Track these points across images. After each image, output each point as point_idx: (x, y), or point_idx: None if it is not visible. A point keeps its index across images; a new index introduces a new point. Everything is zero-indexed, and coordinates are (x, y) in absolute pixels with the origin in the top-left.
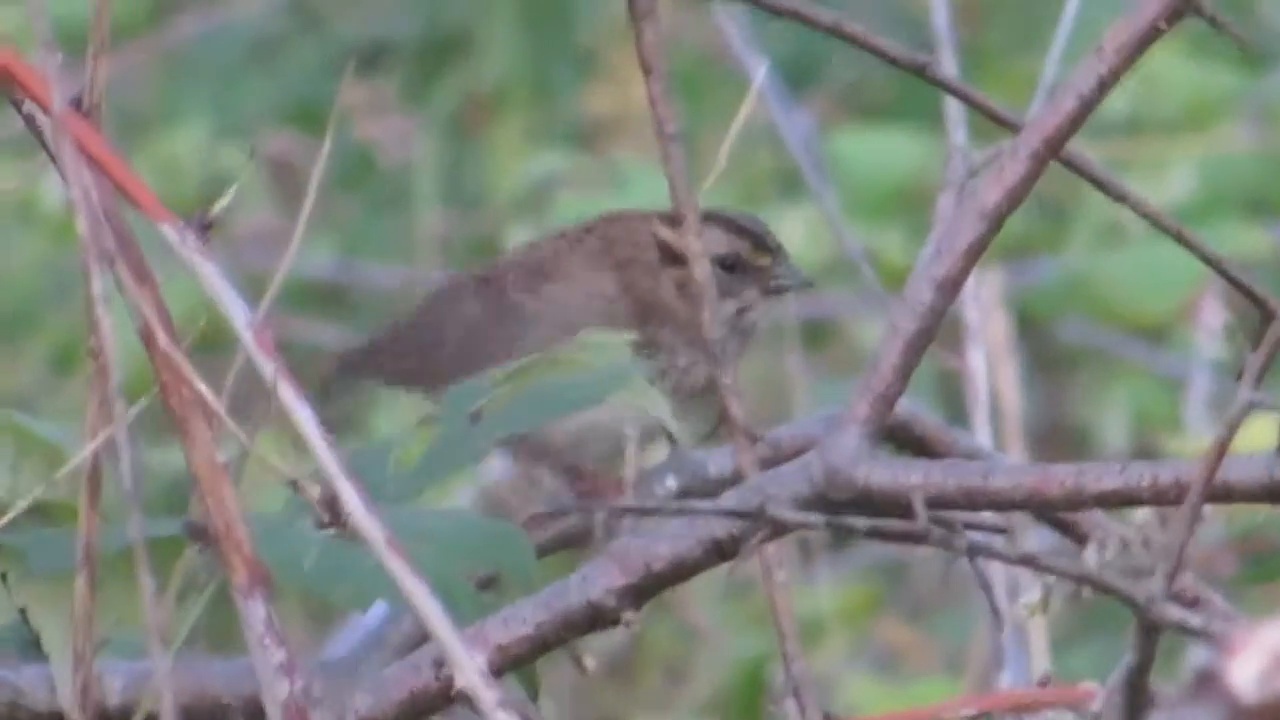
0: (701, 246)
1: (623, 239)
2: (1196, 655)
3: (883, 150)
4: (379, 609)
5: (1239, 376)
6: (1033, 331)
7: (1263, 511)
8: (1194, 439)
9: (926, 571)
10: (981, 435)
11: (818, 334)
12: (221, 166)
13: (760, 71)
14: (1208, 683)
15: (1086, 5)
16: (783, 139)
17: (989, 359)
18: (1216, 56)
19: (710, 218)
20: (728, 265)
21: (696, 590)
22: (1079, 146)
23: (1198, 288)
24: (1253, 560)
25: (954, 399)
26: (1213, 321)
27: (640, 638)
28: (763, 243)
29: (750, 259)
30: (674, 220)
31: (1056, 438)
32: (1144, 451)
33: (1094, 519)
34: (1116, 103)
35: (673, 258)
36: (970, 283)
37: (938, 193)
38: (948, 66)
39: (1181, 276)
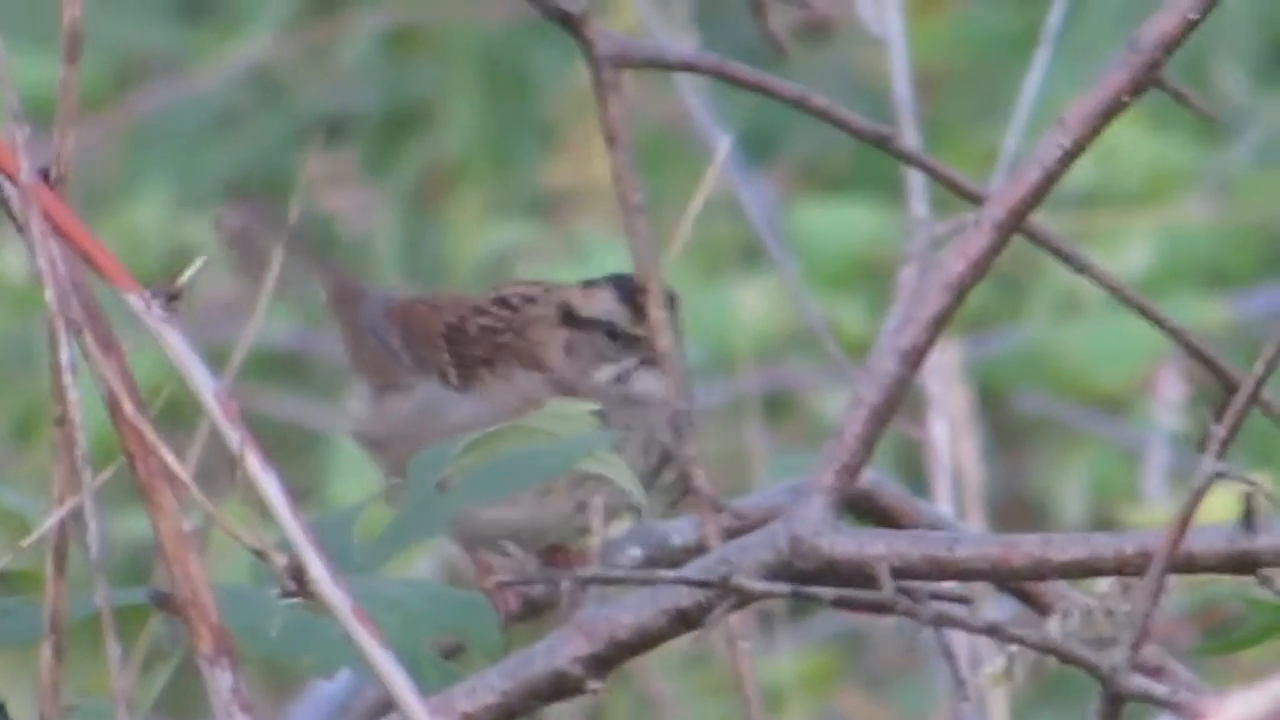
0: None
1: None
2: None
3: (842, 221)
4: (341, 679)
5: (1201, 448)
6: (991, 403)
7: (1225, 582)
8: (1153, 510)
9: (886, 641)
10: (943, 506)
11: (777, 406)
12: (184, 237)
13: (724, 144)
14: None
15: (1045, 80)
16: (743, 210)
17: (950, 430)
18: (1175, 130)
19: (606, 282)
20: (609, 332)
21: (656, 660)
22: (1038, 219)
23: (1155, 360)
24: (1213, 632)
25: (914, 469)
26: (1171, 394)
27: (600, 708)
28: (641, 313)
29: (627, 328)
30: (589, 282)
31: (1015, 509)
32: (1102, 522)
33: (1057, 589)
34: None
35: (568, 318)
36: (931, 355)
37: (898, 264)
38: (910, 139)
39: (1139, 348)
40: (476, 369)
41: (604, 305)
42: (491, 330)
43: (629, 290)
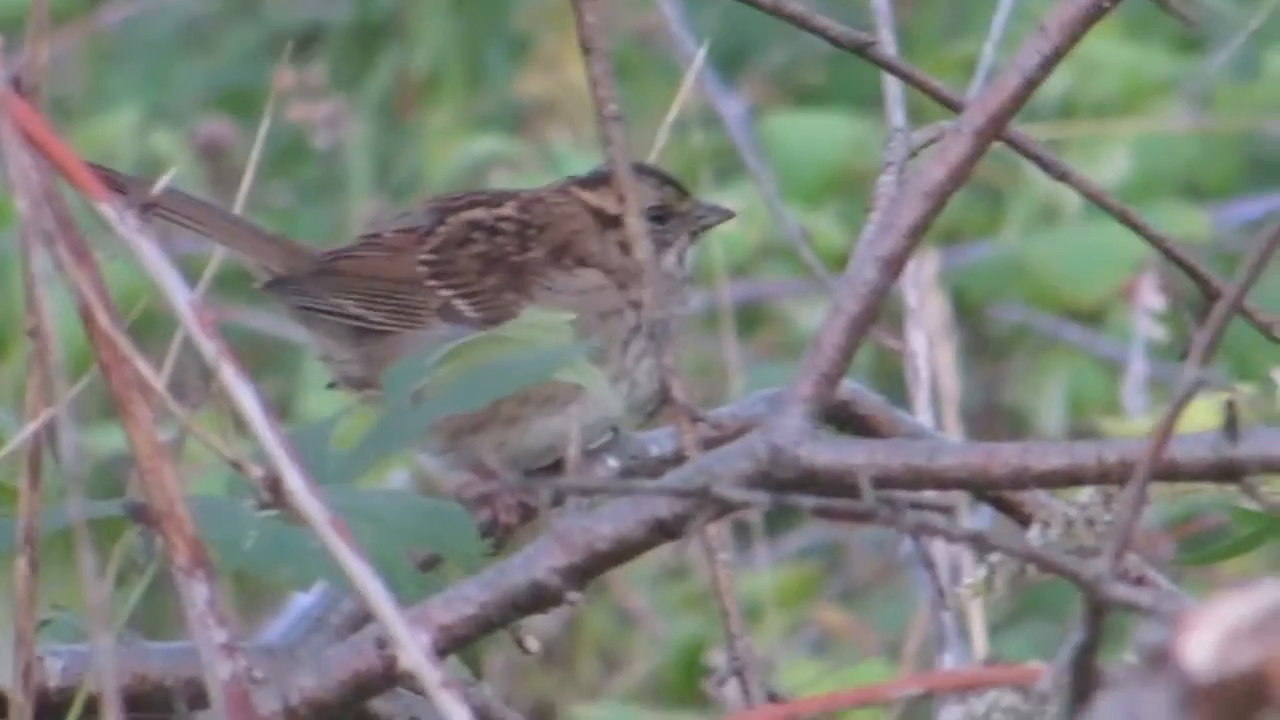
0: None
1: (555, 219)
2: (1146, 633)
3: (817, 132)
4: (317, 591)
5: (1183, 356)
6: (969, 314)
7: (1206, 491)
8: (1132, 421)
9: (863, 555)
10: (922, 417)
11: (752, 317)
12: (154, 150)
13: (698, 54)
14: (1160, 661)
15: None
16: (718, 121)
17: (927, 341)
18: (1153, 39)
19: (635, 170)
20: (658, 216)
21: (632, 574)
22: (1016, 128)
23: (1133, 270)
24: (1191, 542)
25: (892, 380)
26: (1150, 304)
27: (577, 621)
28: (682, 187)
29: (675, 205)
30: (591, 183)
31: (993, 421)
32: (1081, 435)
33: (1036, 499)
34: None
35: (606, 220)
36: (909, 265)
37: (874, 175)
38: (887, 46)
39: (1117, 259)
40: (495, 295)
41: (650, 194)
42: (494, 255)
43: (661, 173)
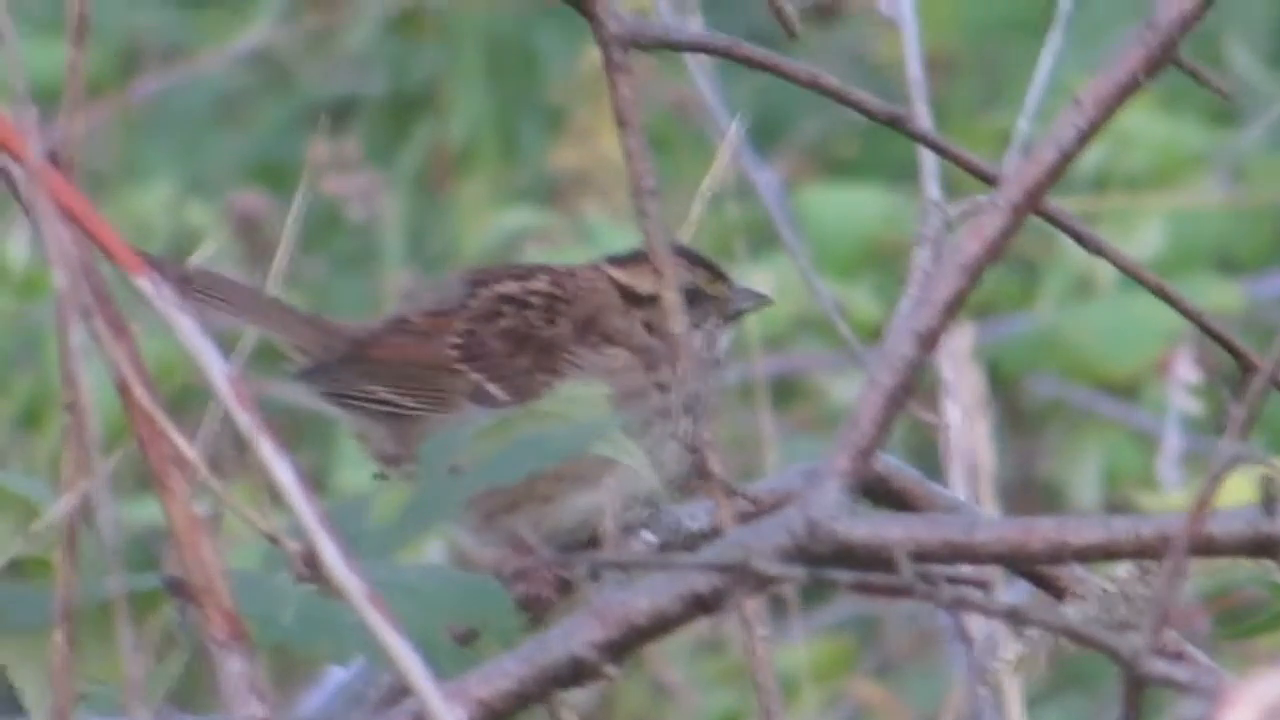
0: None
1: (583, 294)
2: (1186, 711)
3: (850, 205)
4: (355, 665)
5: (1219, 430)
6: (1003, 387)
7: (1244, 566)
8: (1167, 495)
9: (899, 629)
10: (957, 490)
11: (787, 390)
12: (188, 223)
13: (734, 126)
14: None
15: (1055, 63)
16: (751, 194)
17: (963, 414)
18: (1187, 112)
19: (676, 252)
20: (688, 298)
21: (668, 647)
22: (1051, 201)
23: (1168, 343)
24: (1227, 617)
25: (927, 454)
26: (1185, 377)
27: (612, 695)
28: (717, 271)
29: (707, 288)
30: (623, 261)
31: (1027, 494)
32: (1115, 508)
33: (1072, 574)
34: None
35: (633, 299)
36: (944, 338)
37: (907, 248)
38: (922, 119)
39: (1152, 332)
40: (525, 377)
41: (681, 275)
42: (524, 332)
43: (694, 255)
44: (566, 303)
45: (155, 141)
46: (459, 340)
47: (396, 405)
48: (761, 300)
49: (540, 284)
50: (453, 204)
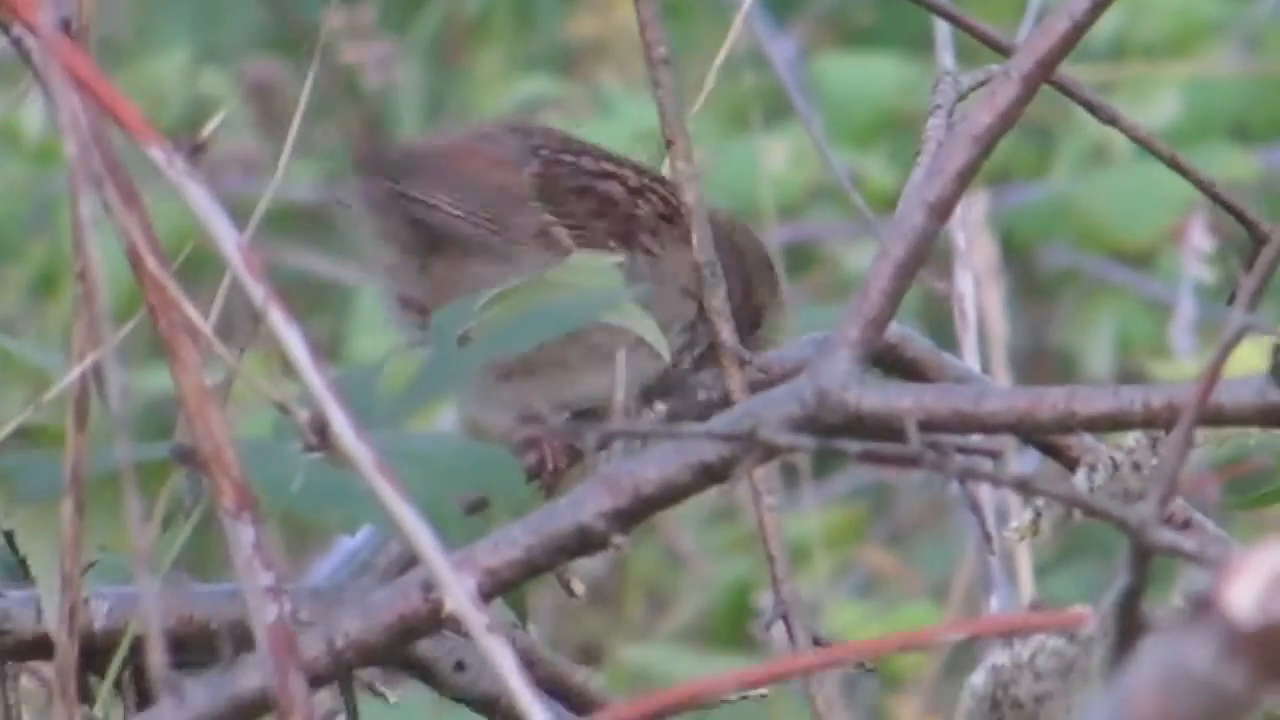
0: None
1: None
2: (1191, 579)
3: (866, 75)
4: (363, 534)
5: (1231, 300)
6: (1017, 256)
7: (1254, 435)
8: (1180, 364)
9: (910, 498)
10: (969, 360)
11: (801, 258)
12: (203, 92)
13: None
14: (1204, 608)
15: None
16: (767, 64)
17: (975, 283)
18: None
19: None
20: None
21: (679, 516)
22: (1065, 70)
23: (1182, 212)
24: (1239, 486)
25: (938, 323)
26: (1199, 246)
27: (624, 563)
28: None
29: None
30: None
31: (1040, 363)
32: (1129, 376)
33: (1083, 443)
34: (1101, 27)
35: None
36: (957, 207)
37: (923, 117)
38: None
39: (1166, 201)
40: (599, 237)
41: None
42: (608, 197)
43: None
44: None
45: (170, 9)
46: (535, 179)
47: (455, 218)
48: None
49: (661, 189)
50: (468, 72)
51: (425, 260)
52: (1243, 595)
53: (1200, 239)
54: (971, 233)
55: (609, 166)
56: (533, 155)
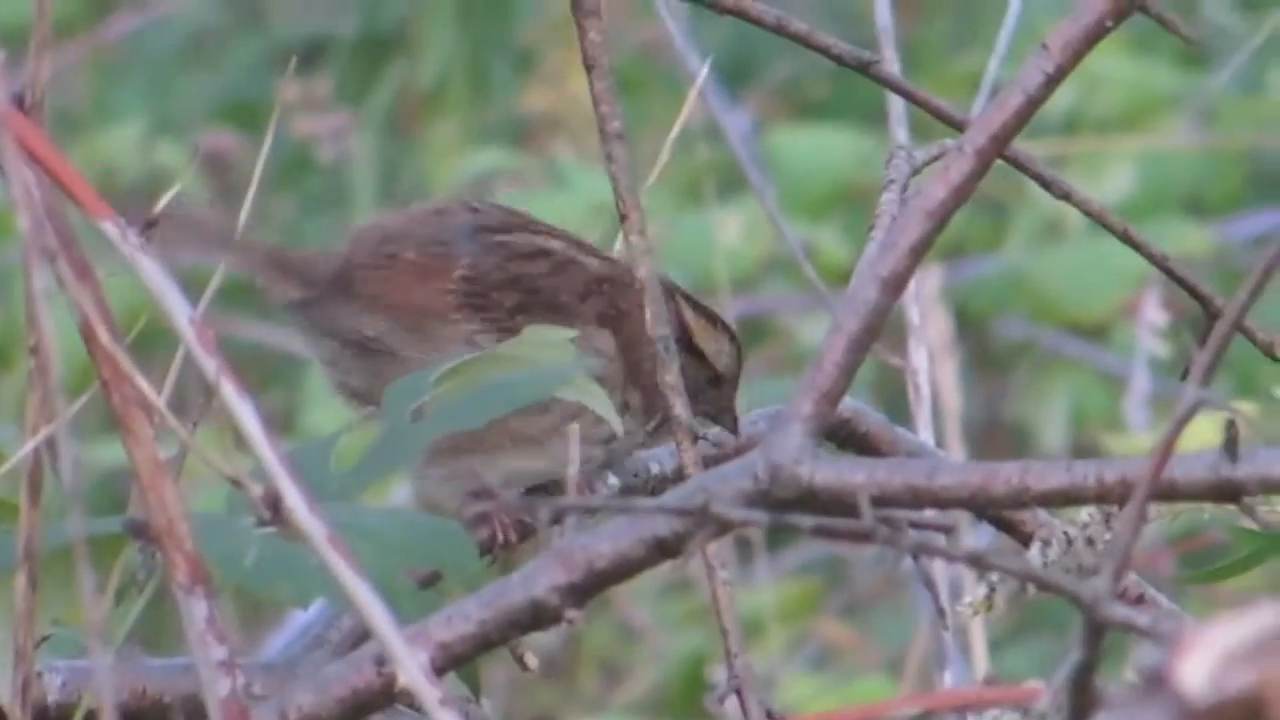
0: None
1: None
2: (1144, 655)
3: (820, 148)
4: (316, 608)
5: (1184, 375)
6: (971, 330)
7: (1208, 510)
8: (1134, 437)
9: (864, 571)
10: (923, 434)
11: (754, 331)
12: (158, 163)
13: (703, 69)
14: (1157, 683)
15: (1025, 4)
16: (721, 136)
17: (929, 357)
18: (1157, 55)
19: (721, 329)
20: (713, 382)
21: (634, 589)
22: (1019, 144)
23: (1136, 286)
24: (1193, 560)
25: (893, 397)
26: (1152, 320)
27: (578, 636)
28: (739, 360)
29: (728, 374)
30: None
31: (995, 436)
32: (1083, 450)
33: (1037, 518)
34: (1056, 101)
35: (691, 350)
36: (911, 281)
37: (877, 191)
38: (890, 64)
39: (1120, 275)
40: (517, 324)
41: (721, 349)
42: (535, 284)
43: (736, 338)
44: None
45: (125, 81)
46: (455, 286)
47: (380, 343)
48: (726, 436)
49: (595, 264)
50: (423, 144)
51: (363, 358)
52: (1195, 670)
53: (1154, 313)
54: (926, 307)
55: (540, 243)
56: (468, 242)
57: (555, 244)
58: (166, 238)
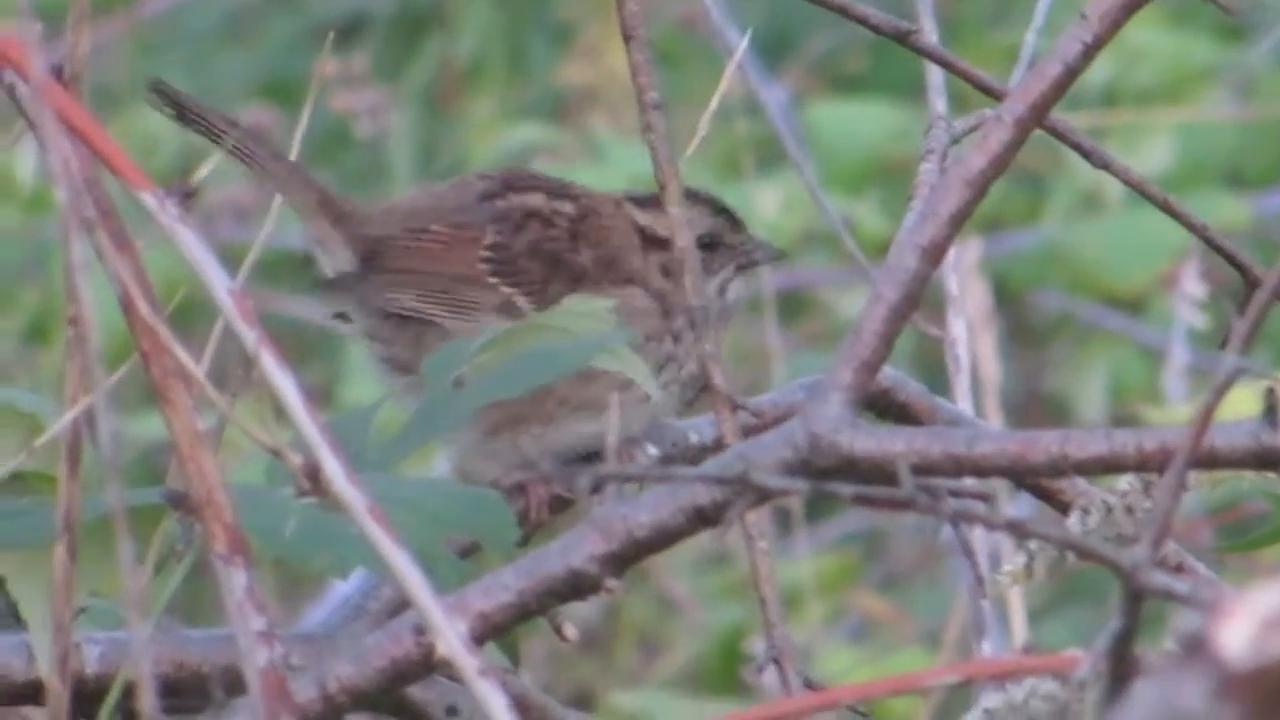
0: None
1: (604, 233)
2: (1184, 621)
3: (858, 121)
4: (355, 578)
5: (1223, 344)
6: (1010, 301)
7: (1247, 479)
8: (1173, 409)
9: (902, 542)
10: (962, 404)
11: (794, 305)
12: (195, 140)
13: (742, 42)
14: (1197, 649)
15: None
16: (760, 110)
17: (968, 328)
18: (1196, 28)
19: (690, 196)
20: (707, 244)
21: (672, 561)
22: (1058, 115)
23: (1174, 258)
24: (1231, 530)
25: (932, 367)
26: (1191, 291)
27: (616, 608)
28: (737, 220)
29: (727, 237)
30: (643, 202)
31: (1033, 408)
32: (1121, 422)
33: (1076, 487)
34: (1094, 73)
35: (651, 241)
36: (950, 252)
37: (915, 163)
38: (929, 35)
39: (1159, 246)
40: (550, 291)
41: (703, 222)
42: (555, 255)
43: (716, 202)
44: (590, 234)
45: (164, 58)
46: (489, 253)
47: (422, 313)
48: (775, 254)
49: (567, 207)
50: (461, 120)
51: (405, 329)
52: (1235, 637)
53: (1192, 285)
54: (964, 278)
55: (556, 208)
56: (486, 211)
57: (538, 199)
58: (243, 151)
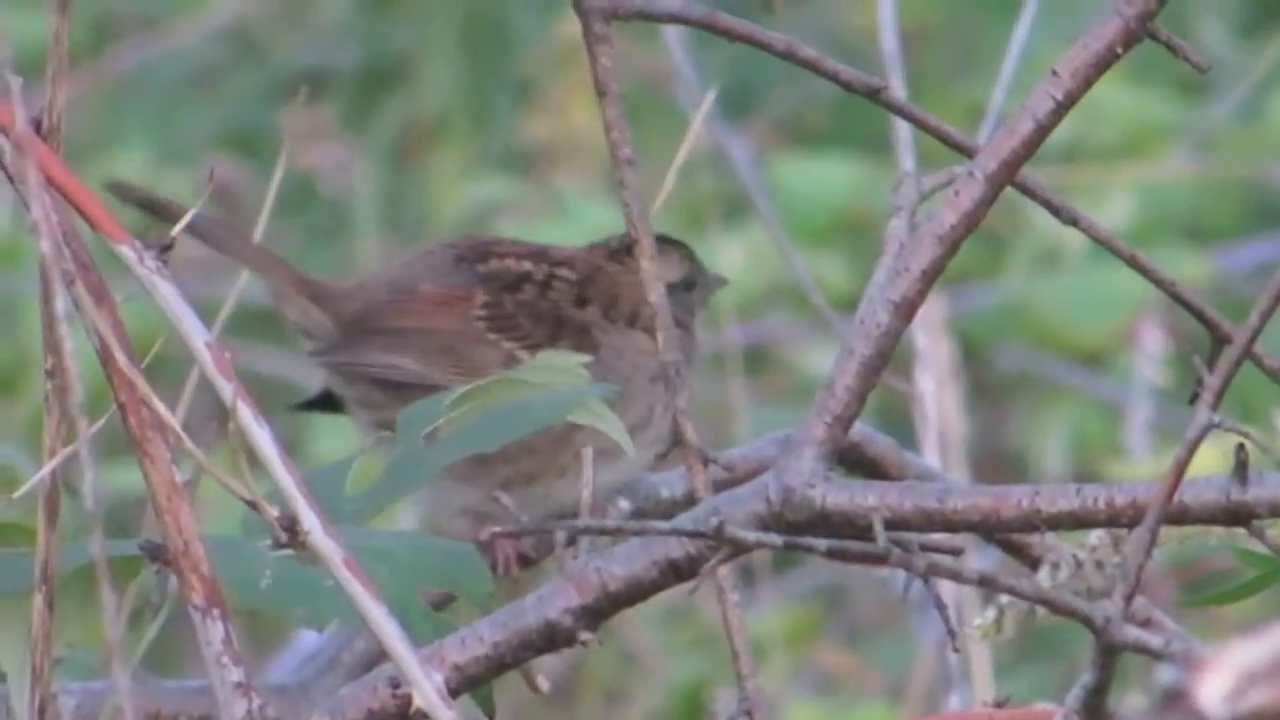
0: (659, 271)
1: (615, 288)
2: (1161, 675)
3: (822, 176)
4: (329, 631)
5: (1192, 400)
6: (972, 357)
7: (1214, 535)
8: (1134, 464)
9: (867, 596)
10: (930, 459)
11: (758, 360)
12: (164, 192)
13: (707, 97)
14: (1175, 702)
15: (1028, 35)
16: (724, 165)
17: (934, 383)
18: (1157, 84)
19: (661, 242)
20: (689, 285)
21: (638, 614)
22: (1024, 172)
23: (1135, 313)
24: (1196, 585)
25: (898, 422)
26: (1151, 347)
27: (581, 661)
28: (696, 258)
29: (697, 276)
30: (615, 253)
31: (996, 464)
32: (1082, 477)
33: (1045, 542)
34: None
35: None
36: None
37: (879, 219)
38: (898, 91)
39: (1119, 302)
40: (558, 348)
41: (682, 266)
42: (555, 313)
43: (680, 243)
44: (602, 292)
45: (130, 111)
46: (484, 311)
47: (425, 377)
48: (722, 282)
49: (564, 271)
50: (426, 174)
51: (395, 390)
52: (1215, 690)
53: (1153, 341)
54: (931, 334)
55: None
56: (477, 281)
57: (526, 264)
58: (212, 237)
